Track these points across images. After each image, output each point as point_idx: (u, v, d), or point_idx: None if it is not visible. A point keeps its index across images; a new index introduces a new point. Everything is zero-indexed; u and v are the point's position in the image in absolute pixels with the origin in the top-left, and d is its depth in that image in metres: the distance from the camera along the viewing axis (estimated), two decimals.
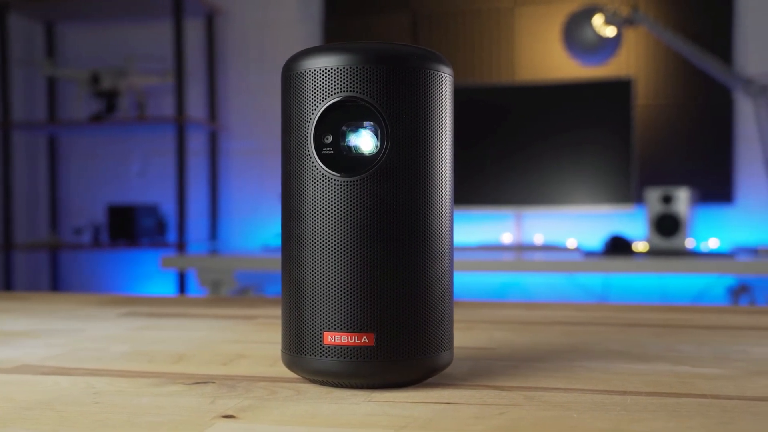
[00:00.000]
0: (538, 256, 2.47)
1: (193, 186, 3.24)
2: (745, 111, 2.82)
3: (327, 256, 0.52)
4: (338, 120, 0.52)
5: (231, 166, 3.28)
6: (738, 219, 2.86)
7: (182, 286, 3.02)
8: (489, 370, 0.60)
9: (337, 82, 0.52)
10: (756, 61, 2.83)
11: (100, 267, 3.41)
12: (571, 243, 2.85)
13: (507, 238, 2.97)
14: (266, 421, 0.45)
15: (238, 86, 3.27)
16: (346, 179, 0.51)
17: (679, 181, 2.78)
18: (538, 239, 2.95)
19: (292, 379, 0.56)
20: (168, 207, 3.26)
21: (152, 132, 3.29)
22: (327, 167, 0.52)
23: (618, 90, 2.73)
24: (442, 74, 0.54)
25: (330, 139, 0.52)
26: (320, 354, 0.52)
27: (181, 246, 2.98)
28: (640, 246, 2.50)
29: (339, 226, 0.51)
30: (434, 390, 0.52)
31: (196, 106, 3.26)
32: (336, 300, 0.51)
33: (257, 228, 3.22)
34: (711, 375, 0.57)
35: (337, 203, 0.51)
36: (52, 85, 3.42)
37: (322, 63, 0.52)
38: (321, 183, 0.52)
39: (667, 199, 2.54)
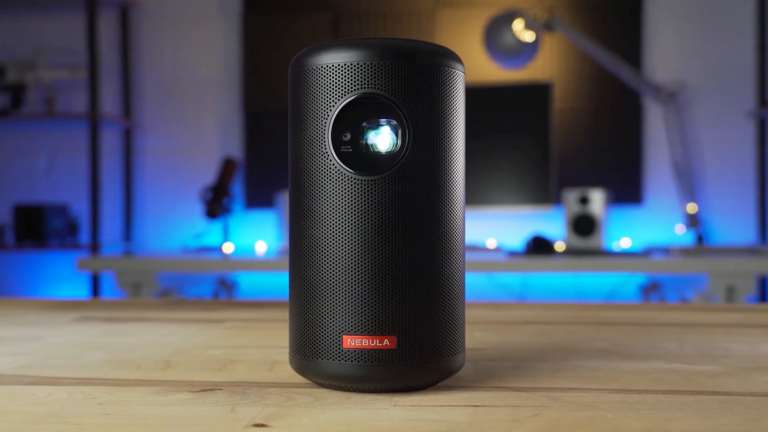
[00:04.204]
0: None
1: (106, 185, 3.12)
2: (654, 116, 2.93)
3: (346, 257, 0.50)
4: (357, 117, 0.51)
5: (146, 165, 3.17)
6: (646, 219, 2.97)
7: (96, 288, 2.91)
8: (492, 371, 0.59)
9: (355, 78, 0.50)
10: (664, 67, 2.95)
11: (4, 269, 3.24)
12: (491, 243, 2.90)
13: None
14: (302, 429, 0.43)
15: (153, 82, 3.17)
16: (367, 178, 0.50)
17: (594, 183, 2.87)
18: None
19: (301, 384, 0.54)
20: (79, 207, 3.13)
21: (62, 128, 3.15)
22: (346, 166, 0.50)
23: (537, 93, 2.79)
24: (458, 72, 0.53)
25: (348, 136, 0.51)
26: (338, 358, 0.50)
27: (94, 247, 2.87)
28: (558, 246, 2.57)
29: (359, 226, 0.50)
30: (454, 393, 0.52)
31: (109, 102, 3.14)
32: (357, 302, 0.50)
33: (173, 229, 3.13)
34: (709, 372, 0.59)
35: (357, 203, 0.50)
36: None
37: (339, 58, 0.51)
38: (339, 182, 0.50)
39: (583, 200, 2.62)
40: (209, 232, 2.94)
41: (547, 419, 0.45)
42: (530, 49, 2.82)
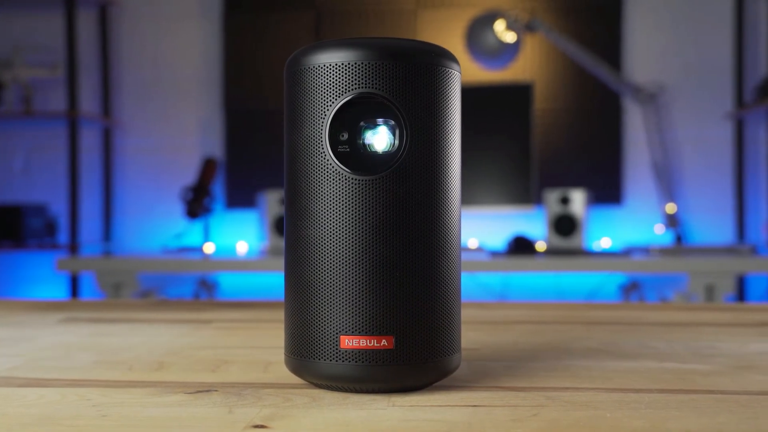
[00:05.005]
0: None
1: (85, 185, 3.09)
2: (634, 116, 2.96)
3: (343, 257, 0.50)
4: (355, 117, 0.51)
5: (126, 164, 3.15)
6: (626, 219, 3.00)
7: (75, 289, 2.88)
8: (487, 371, 0.59)
9: (352, 77, 0.50)
10: (643, 69, 2.98)
11: None
12: (473, 243, 2.90)
13: None
14: (303, 430, 0.43)
15: (133, 81, 3.14)
16: (364, 178, 0.50)
17: (574, 183, 2.88)
18: None
19: (298, 385, 0.54)
20: (58, 207, 3.10)
21: (40, 127, 3.11)
22: (343, 165, 0.50)
23: (518, 94, 2.80)
24: (455, 72, 0.53)
25: (346, 136, 0.51)
26: (335, 358, 0.50)
27: (73, 248, 2.84)
28: (539, 245, 2.58)
29: (357, 226, 0.50)
30: (451, 393, 0.52)
31: (88, 100, 3.11)
32: (354, 302, 0.50)
33: (153, 229, 3.11)
34: (701, 371, 0.59)
35: (354, 202, 0.50)
36: None
37: (336, 58, 0.50)
38: (336, 182, 0.50)
39: (564, 200, 2.63)
40: (190, 232, 2.92)
41: (546, 419, 0.45)
42: (511, 49, 2.83)
